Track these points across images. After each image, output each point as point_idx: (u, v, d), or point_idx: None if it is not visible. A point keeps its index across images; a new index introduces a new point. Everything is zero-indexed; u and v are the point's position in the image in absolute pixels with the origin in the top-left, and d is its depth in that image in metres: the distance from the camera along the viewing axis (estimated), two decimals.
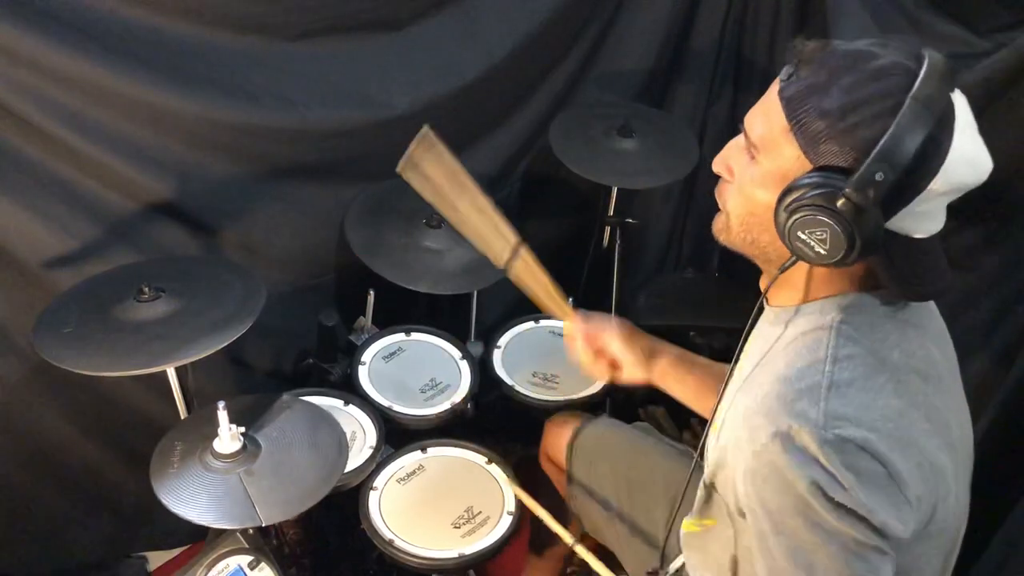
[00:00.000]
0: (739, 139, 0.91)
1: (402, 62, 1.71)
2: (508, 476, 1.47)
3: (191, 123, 1.49)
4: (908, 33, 1.59)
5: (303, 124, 1.62)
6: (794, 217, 0.81)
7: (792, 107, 0.82)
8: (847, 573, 0.82)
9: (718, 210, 0.97)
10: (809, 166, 0.82)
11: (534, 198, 2.17)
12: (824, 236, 0.80)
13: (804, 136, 0.81)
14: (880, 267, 0.85)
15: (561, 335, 1.86)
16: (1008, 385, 1.45)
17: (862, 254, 0.80)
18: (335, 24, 1.60)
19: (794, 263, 0.85)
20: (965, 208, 1.48)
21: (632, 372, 1.30)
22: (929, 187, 0.78)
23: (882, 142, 0.76)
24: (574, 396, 1.69)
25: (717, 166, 0.94)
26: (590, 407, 1.73)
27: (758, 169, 0.87)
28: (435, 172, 1.22)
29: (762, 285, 1.00)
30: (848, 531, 0.80)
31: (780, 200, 0.82)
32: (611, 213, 2.04)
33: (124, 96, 1.40)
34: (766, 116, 0.86)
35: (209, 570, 1.29)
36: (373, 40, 1.68)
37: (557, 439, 1.51)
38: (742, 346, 0.99)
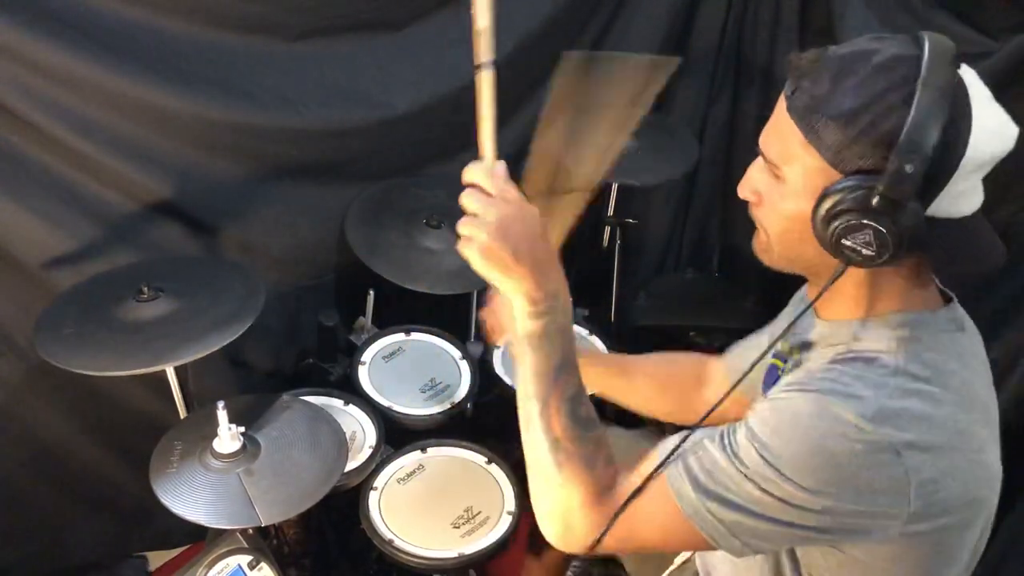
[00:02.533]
0: (759, 162, 0.91)
1: (402, 62, 1.71)
2: None
3: (191, 123, 1.49)
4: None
5: (303, 124, 1.62)
6: (834, 225, 0.80)
7: (804, 120, 0.82)
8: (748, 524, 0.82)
9: (751, 226, 0.95)
10: (836, 173, 0.81)
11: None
12: (868, 239, 0.79)
13: (823, 146, 0.81)
14: (932, 255, 0.84)
15: None
16: (1009, 384, 1.45)
17: (910, 248, 0.79)
18: (335, 24, 1.60)
19: (844, 271, 0.84)
20: None
21: None
22: (960, 166, 0.78)
23: (903, 134, 0.75)
24: None
25: (743, 191, 0.93)
26: None
27: (787, 187, 0.86)
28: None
29: (809, 295, 0.97)
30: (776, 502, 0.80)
31: (816, 211, 0.82)
32: (611, 213, 2.04)
33: (124, 96, 1.40)
34: (780, 134, 0.85)
35: (209, 570, 1.29)
36: (373, 40, 1.68)
37: None
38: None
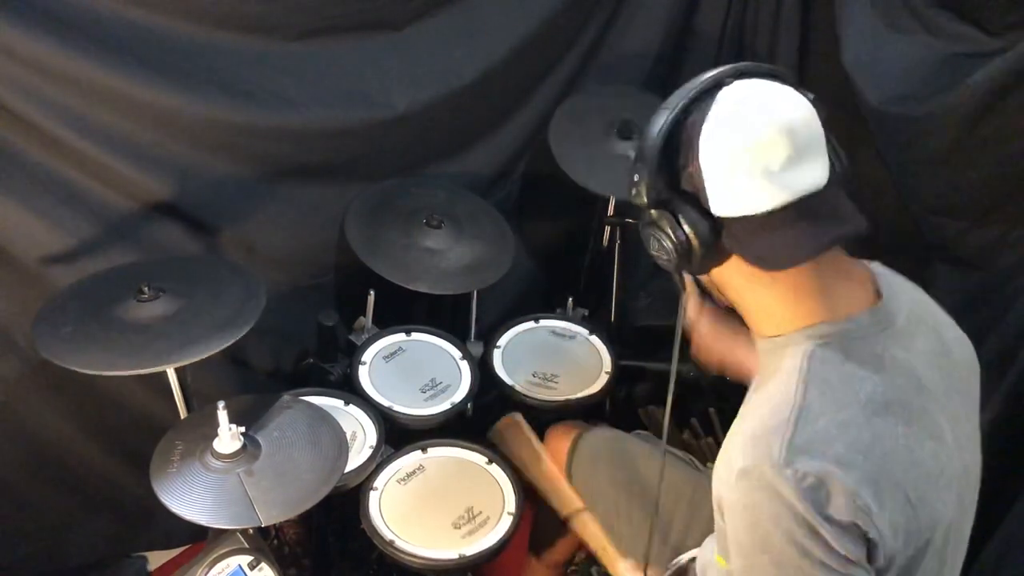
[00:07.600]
0: None
1: (402, 62, 1.71)
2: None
3: (191, 123, 1.49)
4: (917, 32, 1.57)
5: (303, 124, 1.62)
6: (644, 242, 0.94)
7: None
8: None
9: None
10: None
11: (534, 198, 2.17)
12: (657, 245, 0.92)
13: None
14: (737, 250, 0.88)
15: (561, 335, 1.87)
16: (1008, 384, 1.45)
17: (690, 243, 0.88)
18: (335, 24, 1.60)
19: (678, 273, 0.97)
20: (979, 208, 1.49)
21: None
22: (704, 166, 0.86)
23: (636, 148, 0.90)
24: (574, 396, 1.69)
25: None
26: (590, 407, 1.73)
27: None
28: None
29: None
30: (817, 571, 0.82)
31: None
32: (611, 213, 2.04)
33: (124, 96, 1.40)
34: None
35: (209, 570, 1.29)
36: (373, 40, 1.68)
37: (557, 449, 1.51)
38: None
